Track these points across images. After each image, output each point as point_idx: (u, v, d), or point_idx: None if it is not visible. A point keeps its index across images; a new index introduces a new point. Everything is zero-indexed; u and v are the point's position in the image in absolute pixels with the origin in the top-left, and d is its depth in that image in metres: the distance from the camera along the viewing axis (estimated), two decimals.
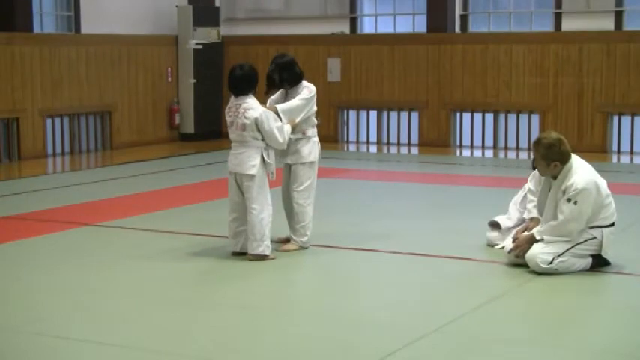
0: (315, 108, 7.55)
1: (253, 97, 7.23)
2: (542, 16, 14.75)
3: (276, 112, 7.26)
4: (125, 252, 7.65)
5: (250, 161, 7.14)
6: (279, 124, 7.18)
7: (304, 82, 7.55)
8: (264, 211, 7.19)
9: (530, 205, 7.20)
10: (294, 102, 7.41)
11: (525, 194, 7.44)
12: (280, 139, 7.16)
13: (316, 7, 16.06)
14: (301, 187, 7.54)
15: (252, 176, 7.13)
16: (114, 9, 15.10)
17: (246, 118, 7.11)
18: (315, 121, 7.62)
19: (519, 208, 7.57)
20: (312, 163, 7.55)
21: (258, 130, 7.12)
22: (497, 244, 7.53)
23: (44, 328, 5.64)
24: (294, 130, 7.36)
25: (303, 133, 7.50)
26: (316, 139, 7.62)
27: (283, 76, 7.47)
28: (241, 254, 7.33)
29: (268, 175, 7.27)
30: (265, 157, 7.16)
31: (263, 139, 7.16)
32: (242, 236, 7.31)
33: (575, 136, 13.82)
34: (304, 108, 7.41)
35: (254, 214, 7.16)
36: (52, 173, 12.61)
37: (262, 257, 7.18)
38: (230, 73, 7.26)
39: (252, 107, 7.13)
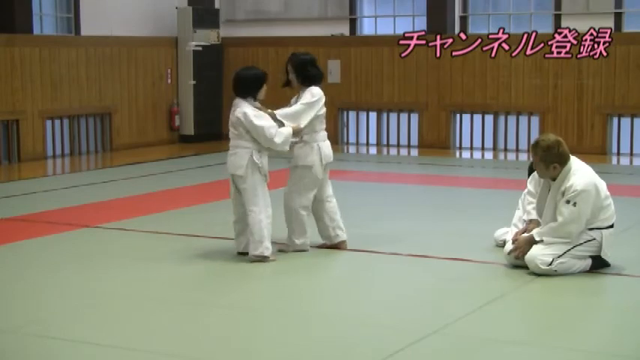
0: (322, 112, 7.49)
1: (250, 99, 7.26)
2: (542, 18, 14.75)
3: (274, 117, 7.26)
4: (125, 253, 7.65)
5: (239, 161, 7.19)
6: (273, 126, 7.17)
7: (311, 87, 7.47)
8: (262, 213, 7.20)
9: (529, 207, 7.18)
10: (294, 107, 7.38)
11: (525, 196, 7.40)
12: (277, 140, 7.15)
13: (316, 8, 16.06)
14: (289, 189, 7.53)
15: (241, 177, 7.17)
16: (114, 10, 15.11)
17: (234, 115, 7.24)
18: (318, 126, 7.54)
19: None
20: (305, 166, 7.48)
21: (248, 131, 7.17)
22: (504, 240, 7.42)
23: (44, 330, 5.64)
24: (297, 134, 7.35)
25: (300, 138, 7.46)
26: (318, 143, 7.52)
27: (296, 75, 7.46)
28: (245, 254, 7.34)
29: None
30: (256, 159, 7.17)
31: (255, 140, 7.18)
32: (244, 236, 7.34)
33: (575, 138, 13.82)
34: (305, 113, 7.35)
35: (252, 216, 7.19)
36: (51, 175, 12.61)
37: (262, 258, 7.19)
38: (234, 74, 7.41)
39: (240, 106, 7.24)
